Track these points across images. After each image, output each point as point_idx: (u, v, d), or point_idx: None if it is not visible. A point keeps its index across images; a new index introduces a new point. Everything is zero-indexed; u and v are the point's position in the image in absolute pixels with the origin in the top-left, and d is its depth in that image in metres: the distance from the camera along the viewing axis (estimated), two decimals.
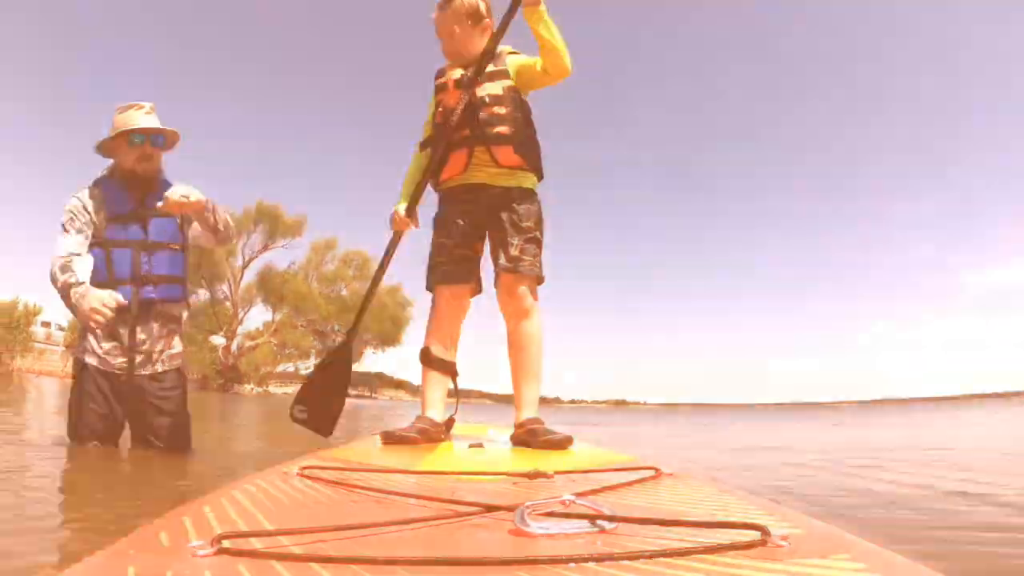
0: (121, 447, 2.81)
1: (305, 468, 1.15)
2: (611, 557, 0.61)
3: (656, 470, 1.22)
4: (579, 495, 0.84)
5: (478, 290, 2.22)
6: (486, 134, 2.09)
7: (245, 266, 25.91)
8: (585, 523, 0.74)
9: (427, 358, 2.17)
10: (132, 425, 2.83)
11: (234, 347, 25.71)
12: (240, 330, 26.72)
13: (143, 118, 2.74)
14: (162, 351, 2.79)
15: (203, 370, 22.74)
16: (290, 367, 29.61)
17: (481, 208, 2.15)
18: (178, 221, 2.82)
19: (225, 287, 25.90)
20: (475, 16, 2.20)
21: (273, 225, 25.89)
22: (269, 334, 26.63)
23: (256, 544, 0.65)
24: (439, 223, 2.24)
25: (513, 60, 2.21)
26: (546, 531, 0.72)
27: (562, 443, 1.84)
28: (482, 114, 2.10)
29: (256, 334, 27.12)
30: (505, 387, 2.29)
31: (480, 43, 2.18)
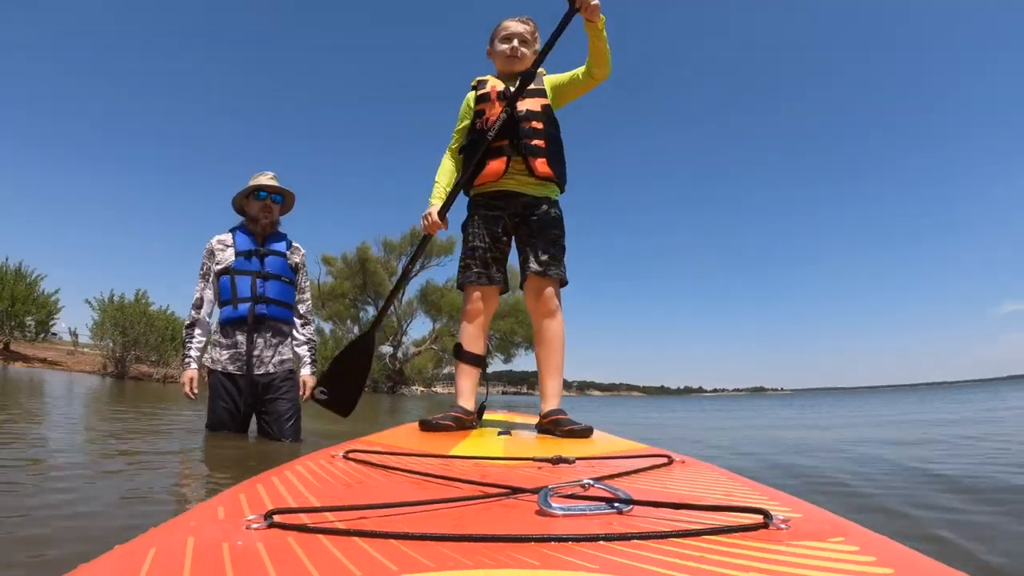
0: (250, 435, 3.43)
1: (350, 452, 1.22)
2: (626, 537, 0.65)
3: (669, 457, 1.26)
4: (597, 479, 0.88)
5: (504, 289, 2.31)
6: (524, 145, 2.24)
7: (407, 284, 28.50)
8: (603, 505, 0.78)
9: (459, 353, 2.29)
10: (256, 417, 3.46)
11: (400, 354, 28.91)
12: (406, 340, 29.96)
13: (267, 181, 3.50)
14: (273, 356, 3.42)
15: (371, 375, 24.64)
16: (451, 370, 30.59)
17: (511, 214, 2.27)
18: (289, 262, 3.54)
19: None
20: (535, 38, 2.40)
21: (430, 246, 27.40)
22: (430, 342, 29.51)
23: (304, 519, 0.70)
24: (470, 226, 2.34)
25: (549, 79, 2.38)
26: (567, 512, 0.76)
27: (583, 432, 1.93)
28: (522, 127, 2.25)
29: (421, 342, 30.17)
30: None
31: (529, 62, 2.34)
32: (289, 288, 3.52)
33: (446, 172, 2.42)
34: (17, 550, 1.22)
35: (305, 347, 3.58)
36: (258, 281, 3.38)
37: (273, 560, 0.57)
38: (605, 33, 2.18)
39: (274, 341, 3.44)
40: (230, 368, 3.34)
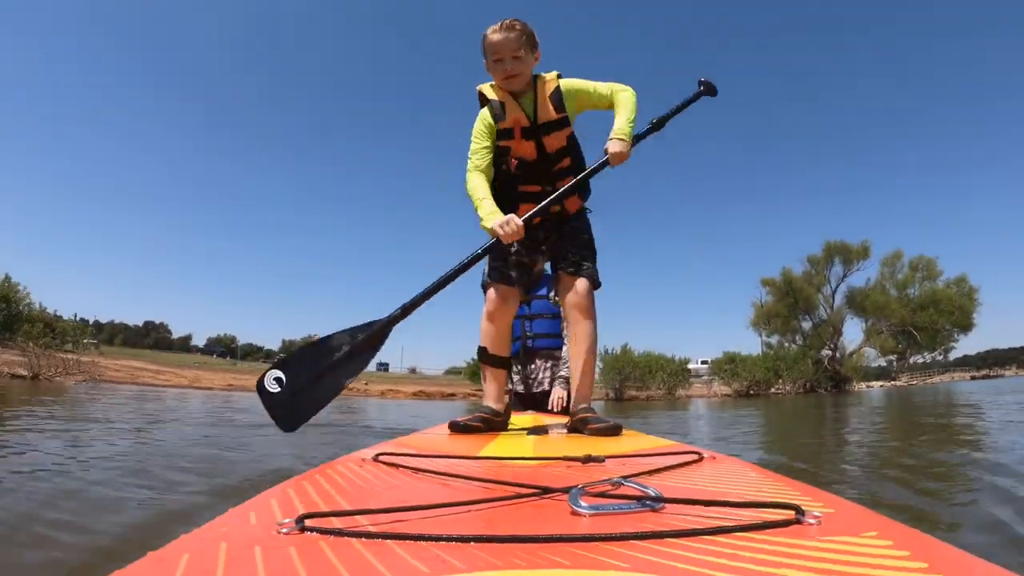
0: None
1: (379, 455, 1.23)
2: (657, 535, 0.64)
3: (699, 454, 1.25)
4: (628, 478, 0.88)
5: (524, 296, 2.30)
6: (557, 189, 2.17)
7: (834, 293, 33.65)
8: (634, 503, 0.78)
9: (483, 355, 2.28)
10: None
11: (838, 355, 32.07)
12: (840, 342, 33.55)
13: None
14: (544, 377, 3.89)
15: (807, 377, 28.58)
16: (882, 362, 37.14)
17: (544, 227, 2.26)
18: (553, 307, 3.91)
19: (822, 313, 33.48)
20: (533, 43, 2.22)
21: (845, 255, 32.98)
22: (862, 342, 33.09)
23: (336, 523, 0.70)
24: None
25: (569, 94, 2.22)
26: (597, 511, 0.76)
27: (612, 431, 1.92)
28: (553, 171, 2.22)
29: (857, 345, 33.78)
30: None
31: (531, 68, 2.21)
32: (555, 321, 3.92)
33: (481, 186, 2.17)
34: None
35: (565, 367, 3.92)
36: (526, 324, 3.83)
37: (305, 564, 0.57)
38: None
39: (546, 365, 3.91)
40: (518, 388, 3.97)
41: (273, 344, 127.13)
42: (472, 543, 0.63)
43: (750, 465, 1.18)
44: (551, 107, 2.19)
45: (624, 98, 2.22)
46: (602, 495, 0.84)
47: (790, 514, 0.69)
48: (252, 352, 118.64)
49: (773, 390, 27.21)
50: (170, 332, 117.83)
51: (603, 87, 2.24)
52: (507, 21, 2.16)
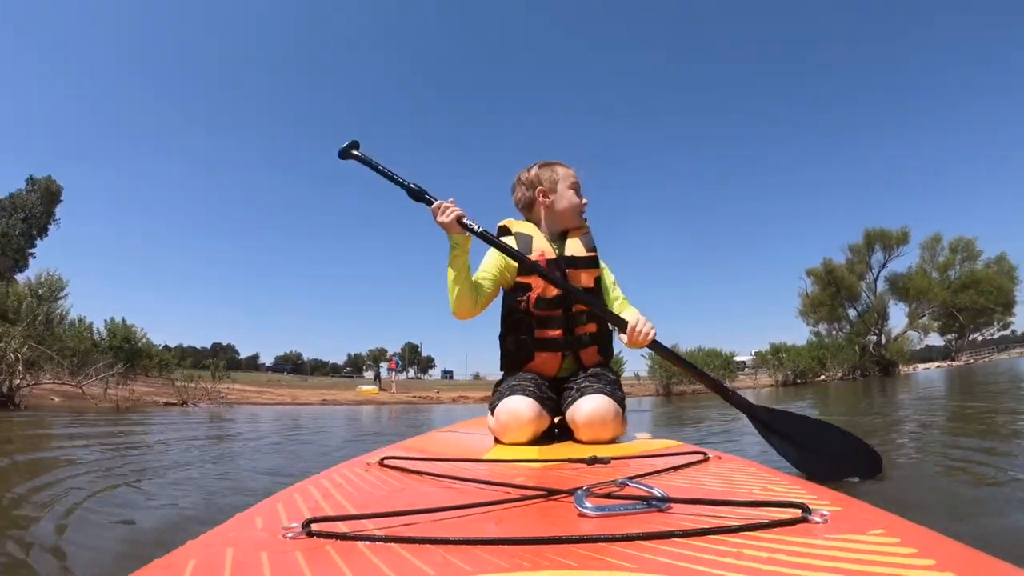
0: None
1: (385, 459, 1.23)
2: (664, 535, 0.64)
3: (704, 454, 1.25)
4: (633, 478, 0.88)
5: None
6: (577, 340, 2.00)
7: (876, 280, 34.36)
8: (639, 504, 0.78)
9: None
10: None
11: (883, 340, 32.73)
12: (887, 328, 34.26)
13: None
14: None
15: (853, 363, 29.18)
16: (936, 343, 40.25)
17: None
18: None
19: (866, 300, 34.29)
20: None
21: (885, 242, 33.87)
22: (906, 326, 33.80)
23: (342, 527, 0.70)
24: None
25: (601, 260, 2.10)
26: (603, 512, 0.76)
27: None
28: (575, 315, 1.99)
29: (901, 330, 34.65)
30: None
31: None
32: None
33: (459, 279, 1.95)
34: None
35: None
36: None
37: (312, 569, 0.57)
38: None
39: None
40: None
41: (339, 358, 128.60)
42: (478, 545, 0.63)
43: (756, 464, 1.18)
44: (582, 245, 2.07)
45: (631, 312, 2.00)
46: (608, 496, 0.84)
47: (796, 513, 0.69)
48: (319, 367, 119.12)
49: (821, 378, 27.30)
50: (238, 352, 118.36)
51: (617, 292, 2.12)
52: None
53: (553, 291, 1.95)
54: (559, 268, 1.99)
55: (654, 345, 1.86)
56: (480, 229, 1.92)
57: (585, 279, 2.03)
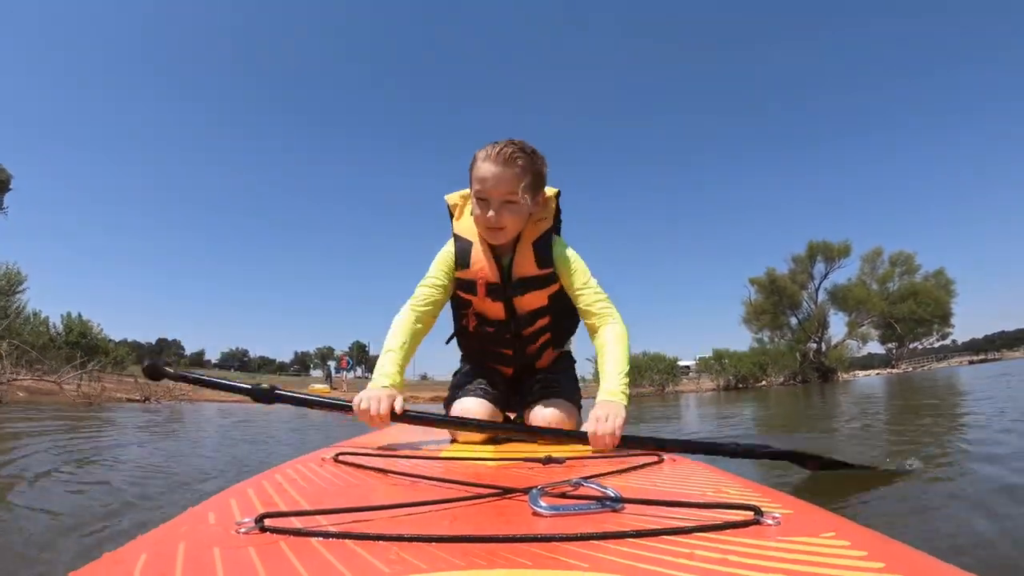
0: None
1: (340, 454, 1.21)
2: (617, 535, 0.65)
3: (658, 455, 1.27)
4: (588, 478, 0.89)
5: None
6: (527, 354, 1.90)
7: (817, 290, 35.69)
8: (594, 503, 0.78)
9: None
10: None
11: (823, 348, 33.74)
12: (827, 336, 35.54)
13: None
14: None
15: (793, 369, 30.30)
16: (875, 351, 41.02)
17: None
18: None
19: (807, 309, 35.43)
20: (539, 184, 1.68)
21: (827, 254, 35.14)
22: (845, 335, 35.02)
23: (295, 523, 0.69)
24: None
25: (559, 261, 1.72)
26: (557, 511, 0.76)
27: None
28: (524, 336, 1.84)
29: (840, 338, 35.84)
30: None
31: (524, 220, 1.69)
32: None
33: (404, 333, 1.68)
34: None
35: None
36: None
37: (265, 564, 0.57)
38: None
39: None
40: None
41: (285, 356, 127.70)
42: (433, 543, 0.63)
43: (710, 467, 1.21)
44: (532, 259, 1.71)
45: (613, 336, 1.66)
46: (562, 496, 0.85)
47: (749, 515, 0.70)
48: (265, 364, 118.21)
49: (762, 383, 28.33)
50: (183, 348, 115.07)
51: (589, 295, 1.71)
52: (508, 149, 1.57)
53: (499, 314, 1.78)
54: (504, 294, 1.74)
55: (627, 441, 1.39)
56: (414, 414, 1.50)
57: (536, 301, 1.77)
